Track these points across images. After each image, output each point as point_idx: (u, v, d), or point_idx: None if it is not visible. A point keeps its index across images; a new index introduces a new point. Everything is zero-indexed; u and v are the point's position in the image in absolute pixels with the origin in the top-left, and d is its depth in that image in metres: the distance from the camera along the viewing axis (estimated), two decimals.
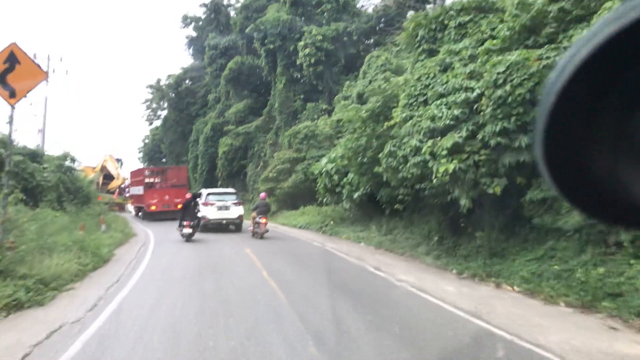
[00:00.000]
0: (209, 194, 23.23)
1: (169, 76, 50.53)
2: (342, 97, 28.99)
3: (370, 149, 13.04)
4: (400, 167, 10.54)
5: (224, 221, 22.63)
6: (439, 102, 9.88)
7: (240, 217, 22.98)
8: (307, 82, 36.97)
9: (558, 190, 0.75)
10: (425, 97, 10.63)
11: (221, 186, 41.18)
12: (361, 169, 13.88)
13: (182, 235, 19.71)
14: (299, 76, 37.30)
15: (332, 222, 18.72)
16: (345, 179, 16.49)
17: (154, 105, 51.46)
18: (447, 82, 10.07)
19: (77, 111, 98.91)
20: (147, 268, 11.66)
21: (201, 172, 43.86)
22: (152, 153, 59.27)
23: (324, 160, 17.99)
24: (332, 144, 26.19)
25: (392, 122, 11.34)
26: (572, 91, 0.65)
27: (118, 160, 42.58)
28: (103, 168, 40.52)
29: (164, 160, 58.53)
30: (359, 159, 13.84)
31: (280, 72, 38.07)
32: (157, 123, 56.91)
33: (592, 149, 0.71)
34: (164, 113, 52.88)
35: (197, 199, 21.30)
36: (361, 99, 27.82)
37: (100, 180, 39.40)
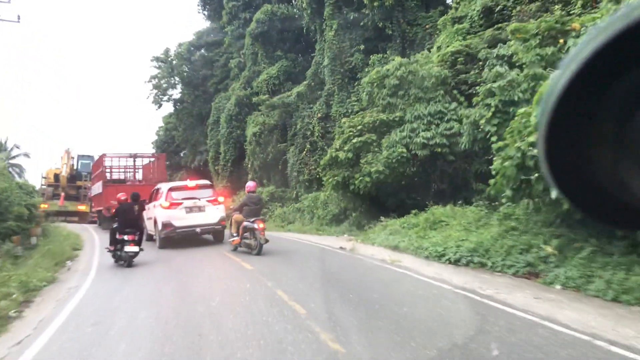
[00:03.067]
0: (170, 190, 15.51)
1: (180, 44, 39.54)
2: (451, 20, 17.48)
3: None
4: None
5: (198, 229, 15.01)
6: None
7: (223, 222, 15.51)
8: (370, 26, 25.68)
9: (559, 189, 0.75)
10: None
11: (253, 180, 30.01)
12: None
13: (120, 258, 11.65)
14: (357, 17, 25.99)
15: (550, 249, 7.28)
16: None
17: (163, 83, 40.53)
18: None
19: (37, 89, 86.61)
20: None
21: (224, 162, 32.77)
22: (166, 145, 48.37)
23: None
24: (450, 92, 14.72)
25: None
26: (574, 91, 0.65)
27: (89, 157, 31.01)
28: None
29: (182, 154, 47.71)
30: None
31: (329, 15, 26.79)
32: (169, 109, 46.20)
33: (594, 150, 0.71)
34: (175, 94, 41.92)
35: (142, 200, 13.61)
36: (489, 15, 16.30)
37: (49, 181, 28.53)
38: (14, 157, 51.70)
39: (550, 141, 0.70)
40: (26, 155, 51.22)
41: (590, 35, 0.63)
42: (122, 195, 12.69)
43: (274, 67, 30.85)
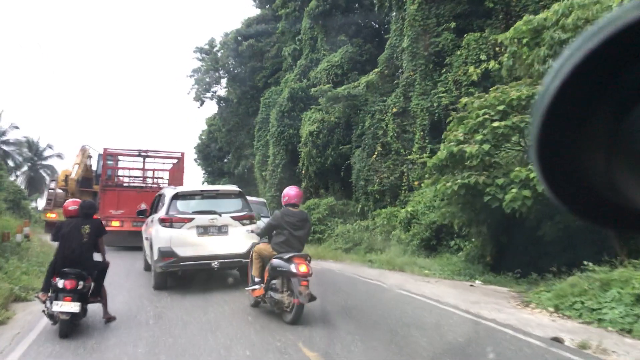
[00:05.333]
0: (176, 197, 9.84)
1: (226, 34, 34.91)
2: None
3: None
4: None
5: (216, 262, 9.26)
6: None
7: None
8: None
9: (552, 193, 0.75)
10: None
11: (308, 189, 24.56)
12: None
13: (52, 317, 6.31)
14: None
15: None
16: None
17: (206, 78, 35.92)
18: None
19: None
20: None
21: (273, 167, 27.52)
22: (208, 150, 43.76)
23: None
24: None
25: None
26: (567, 93, 0.65)
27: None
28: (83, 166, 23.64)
29: (225, 160, 42.93)
30: None
31: None
32: (213, 109, 41.74)
33: (587, 152, 0.71)
34: (219, 89, 37.22)
35: (98, 217, 8.17)
36: None
37: (61, 185, 23.42)
38: (46, 158, 48.36)
39: (542, 144, 0.69)
40: (59, 156, 47.62)
41: (584, 37, 0.62)
42: (69, 205, 7.38)
43: (336, 54, 25.56)
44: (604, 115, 0.67)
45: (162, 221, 9.36)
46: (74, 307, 6.02)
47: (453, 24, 20.37)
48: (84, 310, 6.35)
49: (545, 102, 0.66)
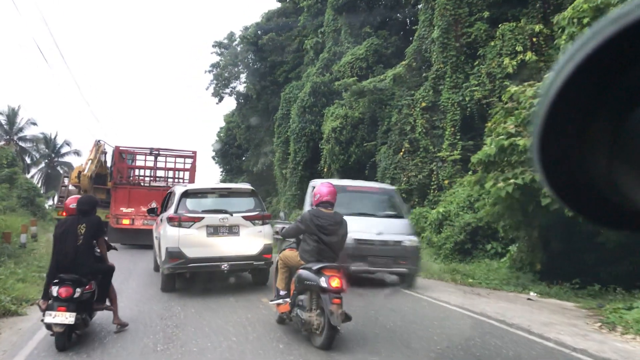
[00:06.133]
0: (185, 195, 9.17)
1: (246, 28, 33.96)
2: None
3: None
4: None
5: (226, 264, 8.67)
6: None
7: (268, 254, 9.01)
8: None
9: (554, 192, 0.75)
10: None
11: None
12: None
13: (49, 327, 5.33)
14: None
15: None
16: None
17: (225, 73, 35.04)
18: None
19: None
20: None
21: (294, 165, 26.55)
22: (227, 147, 42.97)
23: None
24: None
25: None
26: (569, 92, 0.66)
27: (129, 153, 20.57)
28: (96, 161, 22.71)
29: (244, 158, 42.10)
30: None
31: None
32: (231, 105, 40.95)
33: (588, 152, 0.71)
34: (238, 84, 36.33)
35: (99, 219, 6.34)
36: None
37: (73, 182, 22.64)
38: (63, 155, 47.93)
39: (544, 145, 0.69)
40: (76, 153, 47.10)
41: (584, 38, 0.62)
42: (71, 202, 6.38)
43: (360, 46, 24.46)
44: (606, 117, 0.66)
45: (170, 220, 8.72)
46: (68, 317, 5.19)
47: (486, 14, 19.24)
48: (83, 320, 5.54)
49: (547, 103, 0.65)
